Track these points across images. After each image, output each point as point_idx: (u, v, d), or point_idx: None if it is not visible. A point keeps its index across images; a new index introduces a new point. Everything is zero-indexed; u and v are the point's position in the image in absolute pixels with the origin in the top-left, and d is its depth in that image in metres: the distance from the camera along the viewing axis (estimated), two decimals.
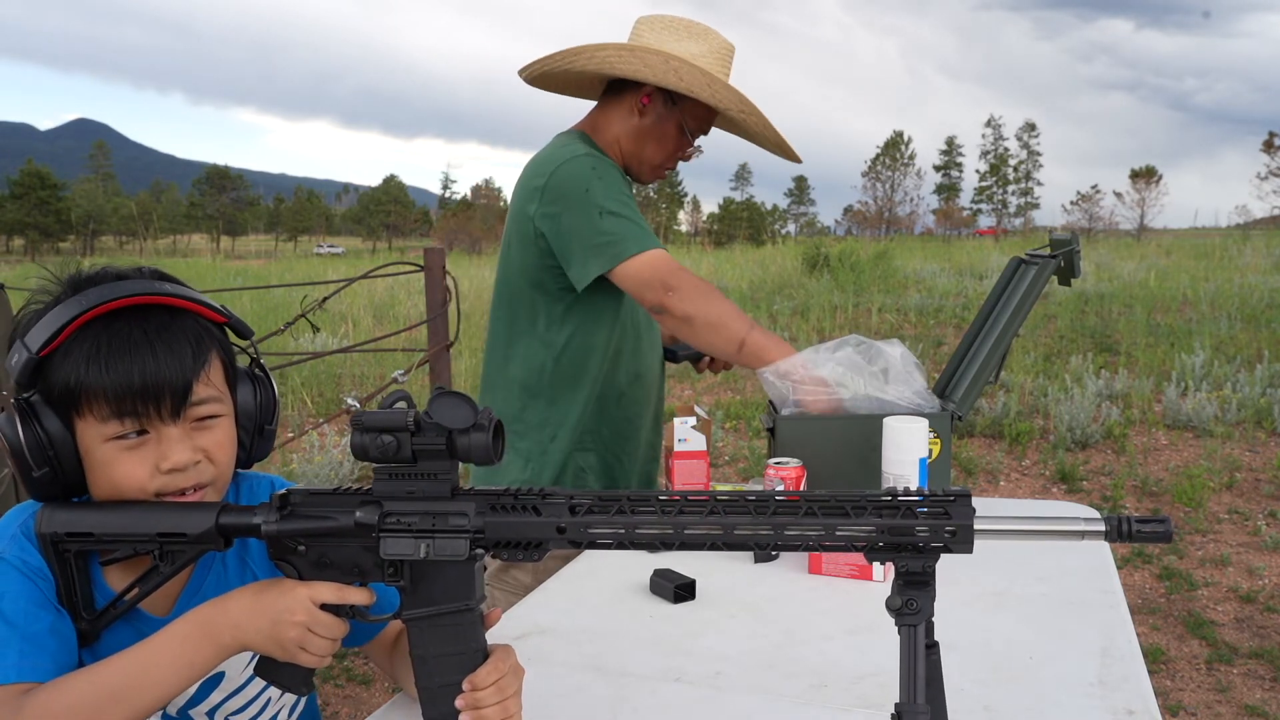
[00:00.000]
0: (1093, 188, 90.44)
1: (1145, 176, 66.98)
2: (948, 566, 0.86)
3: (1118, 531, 0.84)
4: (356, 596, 0.97)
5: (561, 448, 1.87)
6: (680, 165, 1.97)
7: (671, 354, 2.08)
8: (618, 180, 1.80)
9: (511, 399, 1.88)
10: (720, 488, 1.72)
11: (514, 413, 1.87)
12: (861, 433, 1.76)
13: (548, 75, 1.90)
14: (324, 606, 0.96)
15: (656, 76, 1.77)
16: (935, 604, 0.86)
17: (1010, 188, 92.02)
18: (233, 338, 1.10)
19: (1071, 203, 72.78)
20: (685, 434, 1.80)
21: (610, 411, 1.90)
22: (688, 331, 1.77)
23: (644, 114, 1.85)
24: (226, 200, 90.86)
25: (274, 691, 1.14)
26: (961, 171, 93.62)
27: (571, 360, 1.85)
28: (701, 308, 1.73)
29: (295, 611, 0.94)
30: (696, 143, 1.92)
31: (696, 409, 1.82)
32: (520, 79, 1.94)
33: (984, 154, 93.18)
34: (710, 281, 1.79)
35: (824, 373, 1.78)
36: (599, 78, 1.88)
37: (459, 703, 0.97)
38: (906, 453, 1.61)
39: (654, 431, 2.03)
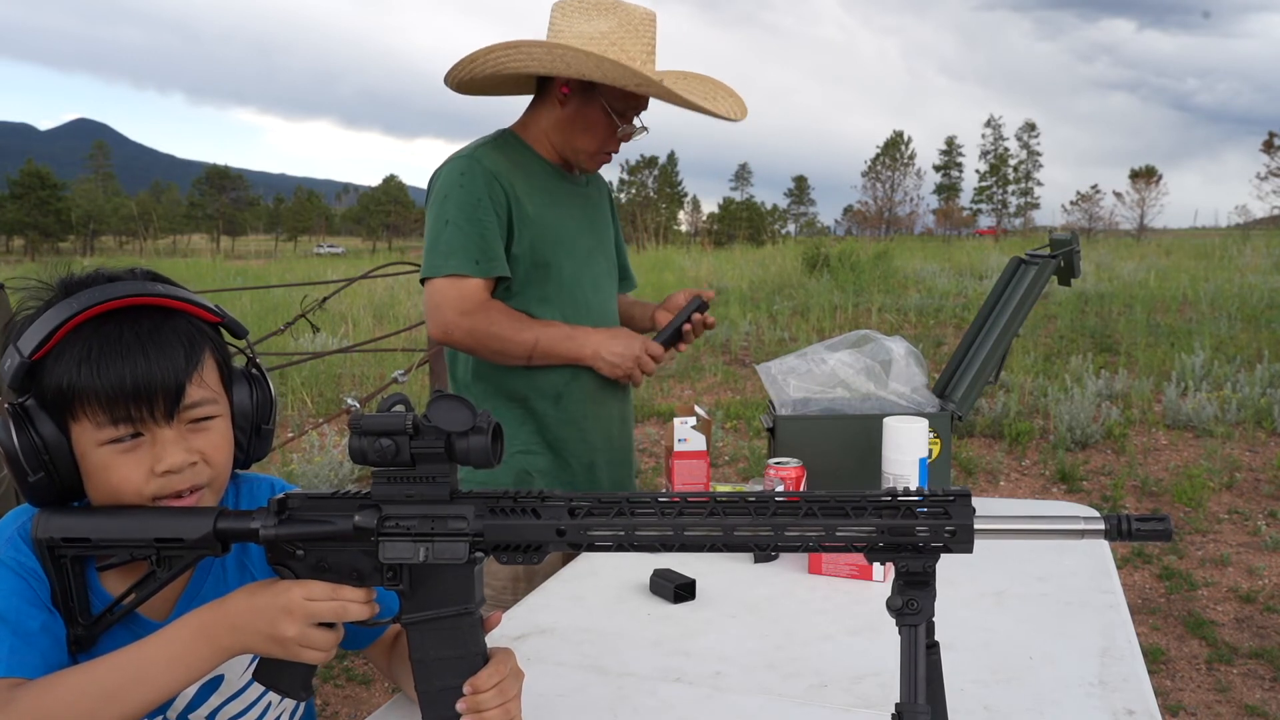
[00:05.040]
0: (1093, 188, 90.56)
1: (1145, 176, 66.99)
2: (947, 566, 0.86)
3: (1117, 530, 0.84)
4: (351, 595, 0.97)
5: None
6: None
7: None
8: (476, 191, 1.75)
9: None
10: (720, 488, 1.72)
11: None
12: (861, 433, 1.77)
13: (470, 86, 1.88)
14: None
15: (544, 67, 1.74)
16: (935, 604, 0.86)
17: (1010, 188, 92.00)
18: (229, 338, 1.10)
19: (1071, 203, 72.88)
20: (685, 434, 1.79)
21: (548, 412, 1.85)
22: (477, 357, 1.82)
23: (565, 104, 1.83)
24: (226, 200, 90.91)
25: (274, 696, 1.14)
26: (961, 171, 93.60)
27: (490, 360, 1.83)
28: (480, 342, 1.76)
29: (292, 610, 0.94)
30: (639, 121, 1.87)
31: (696, 409, 1.82)
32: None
33: (984, 154, 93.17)
34: (499, 312, 1.77)
35: (823, 370, 1.78)
36: (519, 76, 1.85)
37: (460, 706, 0.97)
38: (906, 453, 1.61)
39: (617, 433, 1.96)
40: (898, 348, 1.91)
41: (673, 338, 1.92)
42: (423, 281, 1.80)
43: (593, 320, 1.89)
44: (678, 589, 1.48)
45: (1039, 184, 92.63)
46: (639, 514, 0.90)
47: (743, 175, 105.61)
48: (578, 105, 1.82)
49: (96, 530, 0.98)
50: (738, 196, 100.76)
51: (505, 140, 1.87)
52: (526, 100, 1.93)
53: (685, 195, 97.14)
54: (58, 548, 0.99)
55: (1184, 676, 3.25)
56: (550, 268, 1.82)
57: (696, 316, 1.89)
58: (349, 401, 1.18)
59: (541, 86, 1.87)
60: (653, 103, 1.88)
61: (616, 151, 1.91)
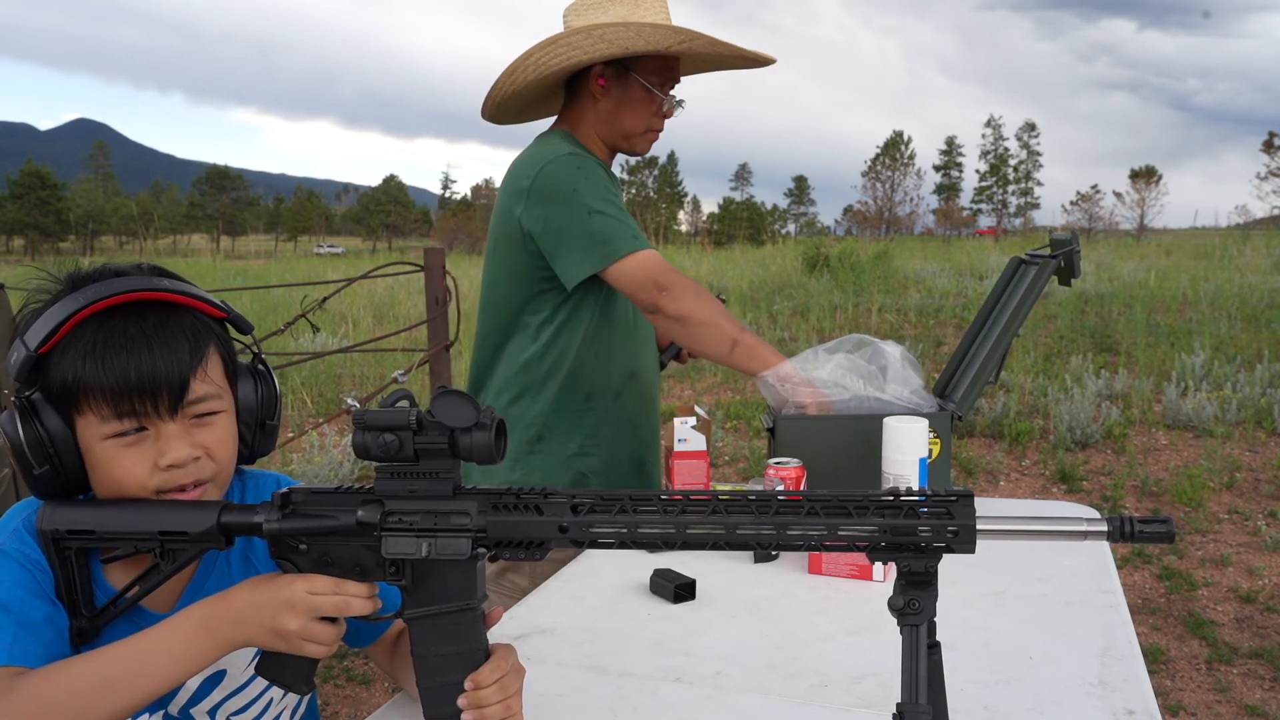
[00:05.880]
0: (1093, 188, 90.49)
1: (1145, 176, 66.92)
2: (948, 567, 0.86)
3: (1120, 532, 0.84)
4: (354, 589, 0.97)
5: (554, 449, 1.86)
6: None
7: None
8: (603, 178, 1.80)
9: (499, 399, 1.88)
10: (720, 488, 1.72)
11: (500, 412, 1.87)
12: (861, 433, 1.76)
13: (507, 106, 1.90)
14: None
15: (587, 53, 1.76)
16: (937, 604, 0.86)
17: (1010, 188, 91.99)
18: (234, 333, 1.10)
19: (1071, 203, 72.81)
20: (685, 434, 1.79)
21: (609, 408, 1.89)
22: (680, 331, 1.79)
23: (605, 94, 1.85)
24: (226, 200, 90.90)
25: (276, 691, 1.14)
26: (961, 171, 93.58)
27: (559, 358, 1.84)
28: (694, 308, 1.74)
29: (295, 604, 0.95)
30: (673, 96, 1.90)
31: (696, 409, 1.82)
32: (487, 120, 1.96)
33: (984, 154, 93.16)
34: (694, 289, 1.78)
35: (821, 374, 1.79)
36: (551, 85, 1.87)
37: (462, 701, 0.97)
38: (906, 453, 1.61)
39: (658, 431, 2.02)
40: (893, 352, 1.91)
41: (674, 352, 2.02)
42: (593, 278, 1.77)
43: (643, 324, 1.96)
44: (678, 589, 1.48)
45: (1039, 184, 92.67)
46: (641, 511, 0.90)
47: (743, 175, 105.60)
48: (617, 92, 1.85)
49: (101, 523, 0.99)
50: (738, 196, 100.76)
51: (570, 137, 1.89)
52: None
53: (685, 195, 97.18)
54: (62, 540, 0.99)
55: (1184, 676, 3.25)
56: None
57: None
58: (349, 401, 1.18)
59: (573, 90, 1.89)
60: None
61: (661, 129, 1.94)
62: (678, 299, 1.73)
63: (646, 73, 1.84)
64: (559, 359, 1.84)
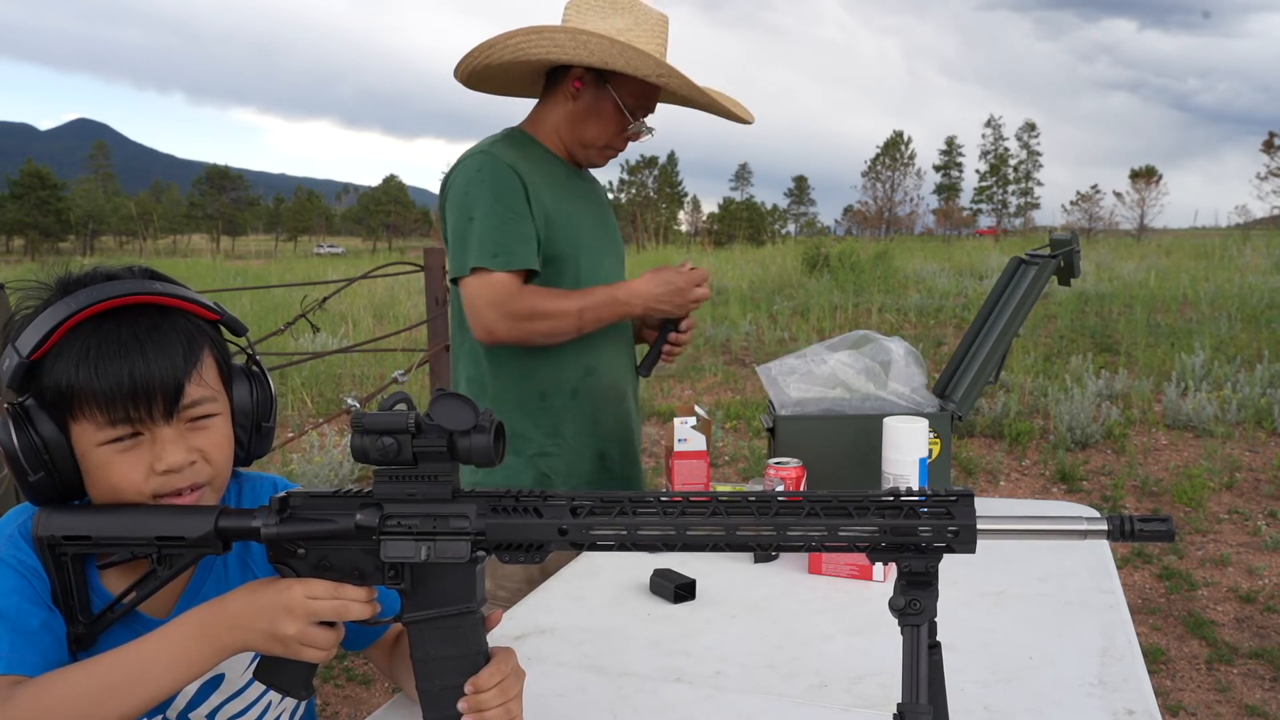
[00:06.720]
0: (1093, 188, 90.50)
1: (1145, 176, 66.91)
2: (947, 567, 0.86)
3: (1120, 531, 0.84)
4: (352, 594, 0.97)
5: (513, 448, 1.84)
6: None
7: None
8: (497, 186, 1.75)
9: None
10: (720, 488, 1.72)
11: None
12: (862, 433, 1.77)
13: (481, 75, 1.88)
14: None
15: (567, 54, 1.75)
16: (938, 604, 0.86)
17: (1010, 188, 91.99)
18: (229, 335, 1.10)
19: (1071, 203, 72.82)
20: (685, 434, 1.79)
21: (566, 406, 1.85)
22: (537, 348, 1.80)
23: (578, 98, 1.84)
24: (226, 200, 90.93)
25: (274, 695, 1.14)
26: (961, 171, 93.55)
27: (508, 356, 1.83)
28: (527, 329, 1.74)
29: (293, 608, 0.94)
30: (645, 122, 1.88)
31: (696, 409, 1.82)
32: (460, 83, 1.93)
33: (984, 154, 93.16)
34: (534, 294, 1.75)
35: (823, 371, 1.78)
36: (529, 69, 1.86)
37: (462, 705, 0.97)
38: (906, 453, 1.61)
39: (626, 425, 1.98)
40: (897, 348, 1.91)
41: (653, 360, 1.99)
42: (453, 283, 1.78)
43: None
44: (678, 589, 1.48)
45: (1039, 184, 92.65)
46: (641, 513, 0.90)
47: (743, 175, 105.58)
48: (590, 99, 1.83)
49: (97, 528, 0.98)
50: (738, 196, 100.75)
51: (516, 136, 1.88)
52: (523, 107, 1.94)
53: (685, 195, 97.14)
54: (58, 546, 0.99)
55: (1184, 676, 3.25)
56: (566, 262, 1.82)
57: (674, 335, 1.91)
58: (349, 401, 1.18)
59: (551, 83, 1.88)
60: (658, 105, 1.90)
61: (623, 149, 1.93)
62: (510, 331, 1.73)
63: (624, 92, 1.82)
64: (507, 358, 1.83)
